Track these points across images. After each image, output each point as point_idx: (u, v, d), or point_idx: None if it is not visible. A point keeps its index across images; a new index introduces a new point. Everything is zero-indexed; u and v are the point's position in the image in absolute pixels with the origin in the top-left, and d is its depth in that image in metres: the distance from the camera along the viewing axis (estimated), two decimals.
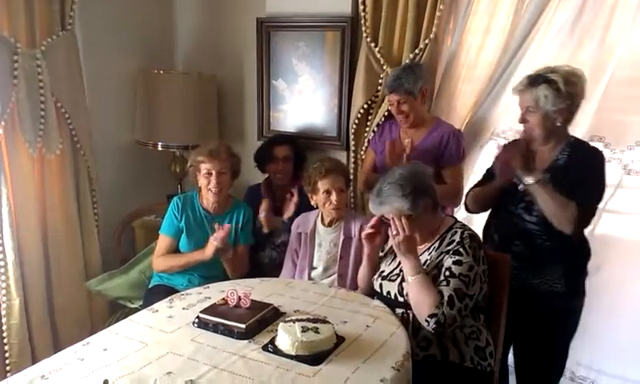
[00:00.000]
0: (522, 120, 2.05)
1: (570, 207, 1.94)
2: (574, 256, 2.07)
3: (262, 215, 2.67)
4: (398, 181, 1.92)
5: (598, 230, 2.45)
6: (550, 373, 2.21)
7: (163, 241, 2.55)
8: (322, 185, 2.34)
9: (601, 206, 2.33)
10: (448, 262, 1.86)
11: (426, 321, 1.80)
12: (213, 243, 2.35)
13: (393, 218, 1.89)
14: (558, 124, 2.00)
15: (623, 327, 2.49)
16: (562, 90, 1.94)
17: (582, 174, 1.97)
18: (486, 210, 2.28)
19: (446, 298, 1.79)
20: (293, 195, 2.67)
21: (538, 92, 1.97)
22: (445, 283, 1.83)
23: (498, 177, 2.14)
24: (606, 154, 2.33)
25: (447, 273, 1.84)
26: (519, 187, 2.06)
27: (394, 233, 1.87)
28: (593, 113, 2.36)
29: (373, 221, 2.04)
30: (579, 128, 2.36)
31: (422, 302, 1.82)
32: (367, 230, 2.05)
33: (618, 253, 2.47)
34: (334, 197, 2.33)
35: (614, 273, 2.45)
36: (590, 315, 2.25)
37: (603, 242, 2.45)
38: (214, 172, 2.46)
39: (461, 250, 1.87)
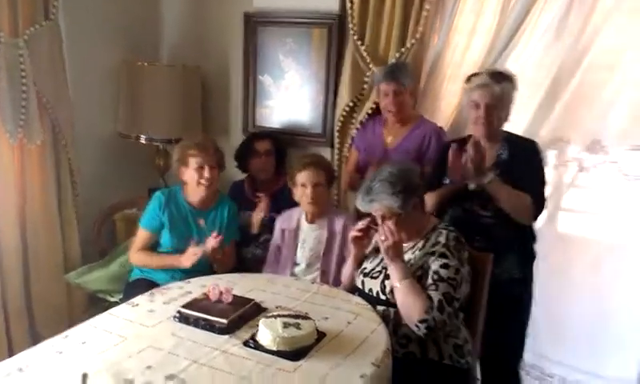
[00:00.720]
0: (486, 115, 2.08)
1: (526, 198, 2.06)
2: (526, 242, 2.19)
3: (257, 216, 2.66)
4: (389, 178, 1.92)
5: (555, 227, 2.59)
6: (511, 359, 2.30)
7: (142, 235, 2.53)
8: (299, 178, 2.36)
9: (558, 203, 2.49)
10: (435, 265, 1.87)
11: (417, 326, 1.81)
12: (194, 254, 2.32)
13: (382, 223, 1.90)
14: (507, 121, 2.12)
15: (578, 320, 2.59)
16: (517, 87, 2.06)
17: (526, 167, 2.09)
18: (439, 212, 2.30)
19: (435, 302, 1.80)
20: (260, 199, 2.70)
21: (503, 88, 2.04)
22: (434, 288, 1.83)
23: (451, 180, 2.18)
24: (571, 156, 2.48)
25: (435, 276, 1.85)
26: (469, 186, 2.12)
27: (383, 238, 1.86)
28: (560, 113, 2.47)
29: (361, 224, 2.04)
30: (545, 128, 2.49)
31: (411, 307, 1.82)
32: (355, 233, 2.05)
33: (575, 249, 2.59)
34: (308, 190, 2.33)
35: (570, 268, 2.58)
36: (547, 309, 2.46)
37: (562, 240, 2.59)
38: (206, 165, 2.44)
39: (447, 253, 1.88)
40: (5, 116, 2.43)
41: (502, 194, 2.06)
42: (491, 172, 2.07)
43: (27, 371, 1.46)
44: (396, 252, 1.86)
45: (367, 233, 2.04)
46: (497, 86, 2.05)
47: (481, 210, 2.14)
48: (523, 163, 2.09)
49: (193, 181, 2.48)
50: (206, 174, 2.44)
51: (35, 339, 2.50)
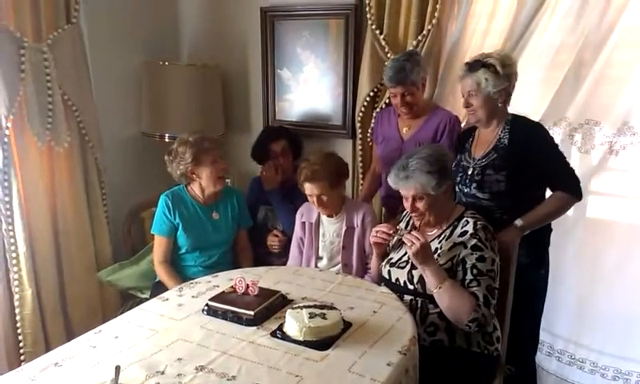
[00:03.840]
0: (466, 104, 2.15)
1: (555, 199, 2.11)
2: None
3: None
4: (427, 158, 1.92)
5: (584, 212, 2.54)
6: (525, 345, 2.29)
7: (160, 243, 2.52)
8: (305, 189, 2.36)
9: (587, 187, 2.41)
10: (471, 259, 1.85)
11: (467, 325, 1.81)
12: None
13: (407, 233, 1.87)
14: (499, 105, 2.11)
15: (608, 305, 2.55)
16: (499, 72, 2.05)
17: (536, 152, 2.06)
18: None
19: (481, 299, 1.80)
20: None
21: (479, 75, 2.07)
22: (475, 283, 1.83)
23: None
24: (600, 138, 2.42)
25: (475, 271, 1.84)
26: (468, 172, 2.16)
27: (409, 244, 1.83)
28: (587, 95, 2.41)
29: (382, 229, 2.00)
30: (573, 110, 2.44)
31: (458, 309, 1.82)
32: (375, 239, 2.02)
33: (605, 233, 2.54)
34: (314, 200, 2.34)
35: (600, 253, 2.53)
36: (577, 294, 2.48)
37: (591, 224, 2.55)
38: (218, 158, 2.48)
39: (480, 244, 1.86)
40: (32, 120, 2.48)
41: (535, 222, 2.09)
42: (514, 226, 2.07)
43: (63, 365, 1.51)
44: (426, 255, 1.83)
45: (387, 239, 2.02)
46: (470, 76, 2.09)
47: (478, 192, 2.15)
48: (527, 148, 2.07)
49: (210, 176, 2.48)
50: (222, 165, 2.49)
51: (70, 336, 2.57)
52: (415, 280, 1.92)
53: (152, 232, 2.56)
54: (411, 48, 2.58)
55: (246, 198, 2.78)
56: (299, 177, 2.35)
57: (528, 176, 2.08)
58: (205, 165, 2.47)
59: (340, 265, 2.39)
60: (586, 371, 2.63)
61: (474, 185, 2.16)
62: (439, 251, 1.92)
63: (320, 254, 2.44)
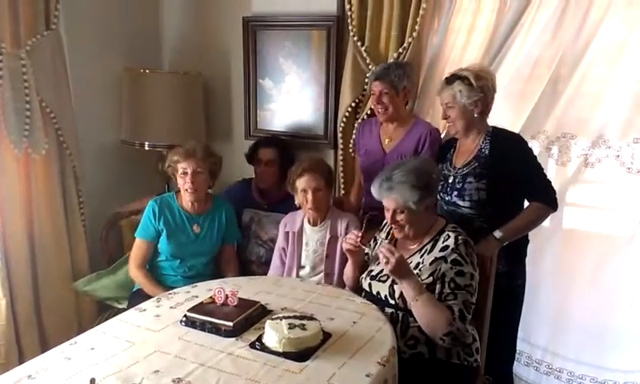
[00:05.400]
0: (444, 116, 2.24)
1: (532, 210, 2.16)
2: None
3: None
4: (413, 171, 1.92)
5: (560, 223, 2.59)
6: (502, 355, 2.32)
7: (140, 245, 2.51)
8: (299, 183, 2.35)
9: (562, 199, 2.46)
10: (450, 273, 1.85)
11: (442, 339, 1.81)
12: None
13: (381, 248, 1.86)
14: (475, 115, 2.18)
15: (584, 315, 2.60)
16: (473, 84, 2.13)
17: (514, 162, 2.13)
18: None
19: (457, 313, 1.81)
20: None
21: (454, 88, 2.16)
22: (452, 297, 1.83)
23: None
24: (576, 151, 2.49)
25: (452, 285, 1.84)
26: (449, 180, 2.21)
27: (384, 261, 1.82)
28: (564, 109, 2.47)
29: (352, 238, 2.01)
30: (550, 123, 2.50)
31: (433, 322, 1.82)
32: (347, 246, 2.04)
33: (580, 244, 2.59)
34: (309, 196, 2.33)
35: (575, 263, 2.59)
36: (553, 303, 2.55)
37: (567, 235, 2.60)
38: (189, 171, 2.43)
39: (459, 259, 1.87)
40: (9, 126, 2.45)
41: (513, 232, 2.14)
42: (494, 237, 2.12)
43: (37, 377, 1.48)
44: (403, 270, 1.83)
45: (360, 248, 2.02)
46: (447, 89, 2.18)
47: (459, 200, 2.19)
48: (507, 158, 2.13)
49: (181, 186, 2.48)
50: (189, 179, 2.43)
51: (45, 348, 2.52)
52: (397, 295, 1.91)
53: (135, 235, 2.53)
54: (392, 60, 2.60)
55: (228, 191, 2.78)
56: (293, 173, 2.36)
57: (507, 185, 2.12)
58: (177, 174, 2.48)
59: (322, 274, 2.39)
60: (563, 381, 2.68)
61: (455, 193, 2.19)
62: (421, 266, 1.92)
63: (303, 262, 2.44)
